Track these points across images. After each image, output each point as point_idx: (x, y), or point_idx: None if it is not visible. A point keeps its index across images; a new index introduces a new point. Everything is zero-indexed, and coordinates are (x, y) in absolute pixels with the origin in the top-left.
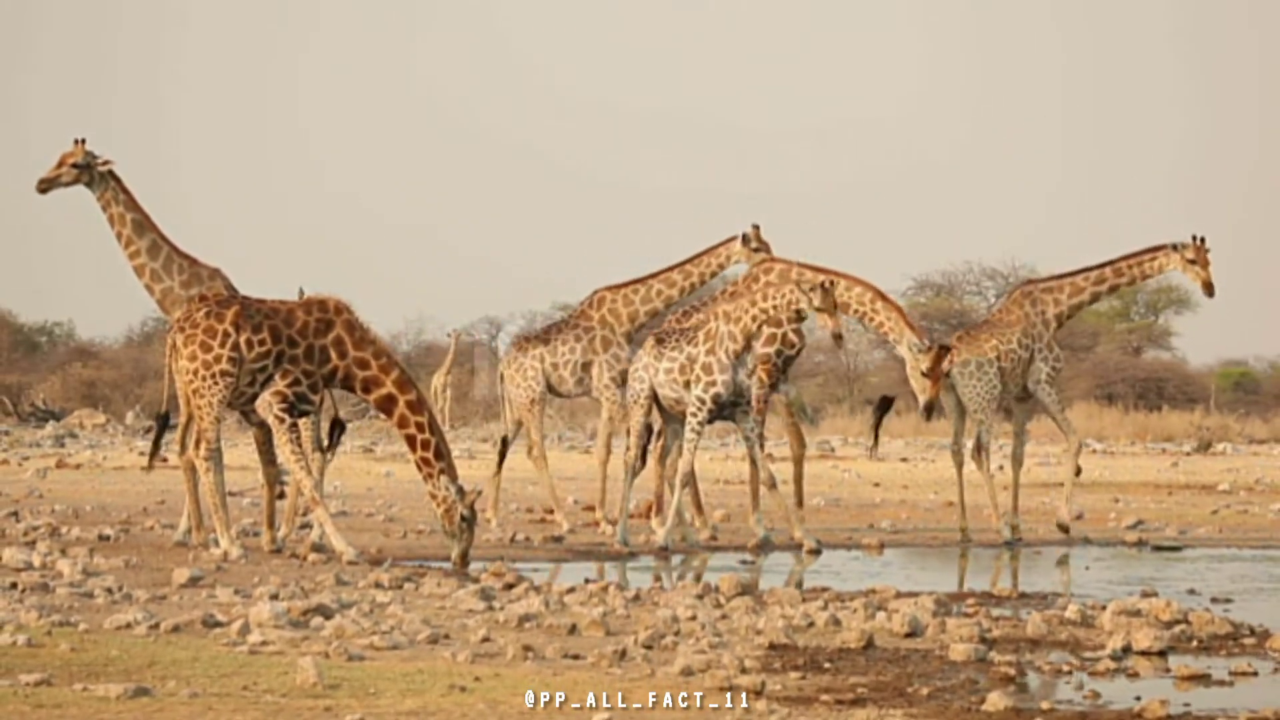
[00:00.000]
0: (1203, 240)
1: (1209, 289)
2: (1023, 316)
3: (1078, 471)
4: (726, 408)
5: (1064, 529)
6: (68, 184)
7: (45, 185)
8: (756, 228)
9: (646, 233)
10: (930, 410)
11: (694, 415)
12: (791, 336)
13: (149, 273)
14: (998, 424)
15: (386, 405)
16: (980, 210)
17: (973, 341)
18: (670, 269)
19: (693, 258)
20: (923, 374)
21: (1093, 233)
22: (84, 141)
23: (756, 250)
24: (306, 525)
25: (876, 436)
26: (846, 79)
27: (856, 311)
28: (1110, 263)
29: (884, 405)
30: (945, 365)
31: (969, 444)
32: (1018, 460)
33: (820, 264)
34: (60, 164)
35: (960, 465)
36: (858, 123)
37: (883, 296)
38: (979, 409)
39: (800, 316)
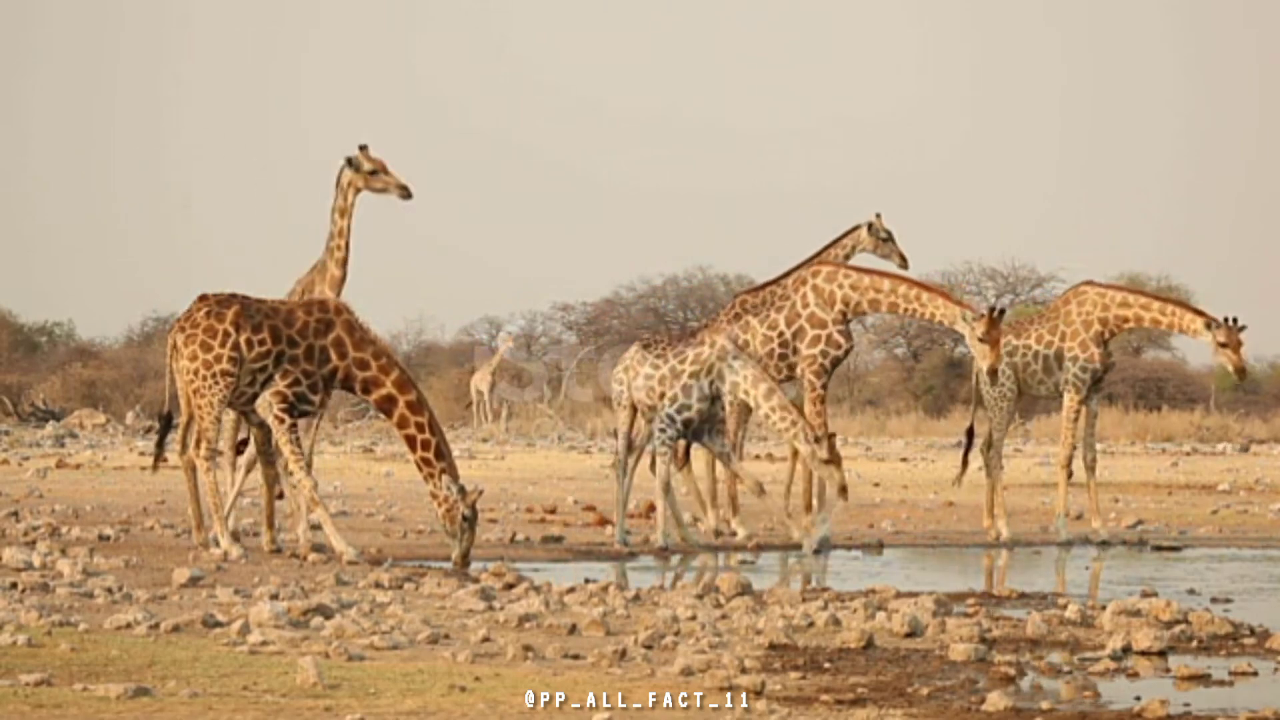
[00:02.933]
0: (1235, 321)
1: (1241, 374)
2: (1064, 315)
3: (1069, 476)
4: (695, 432)
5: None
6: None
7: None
8: (879, 216)
9: (647, 232)
10: (995, 375)
11: (662, 430)
12: (837, 337)
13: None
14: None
15: (386, 406)
16: (980, 210)
17: None
18: (800, 267)
19: (820, 252)
20: (980, 341)
21: (1092, 233)
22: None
23: (885, 240)
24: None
25: (964, 467)
26: (846, 79)
27: (905, 310)
28: (1164, 299)
29: (969, 436)
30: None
31: (978, 441)
32: (1089, 466)
33: (861, 266)
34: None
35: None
36: (857, 123)
37: (924, 286)
38: (990, 405)
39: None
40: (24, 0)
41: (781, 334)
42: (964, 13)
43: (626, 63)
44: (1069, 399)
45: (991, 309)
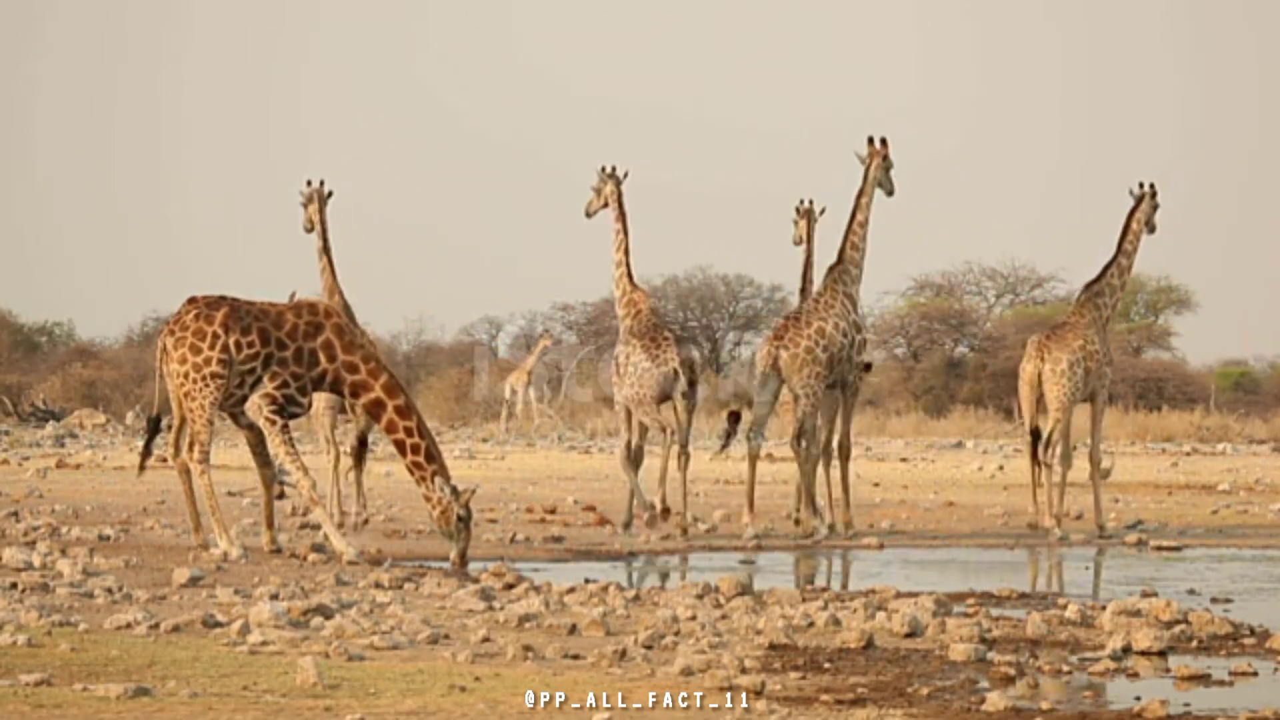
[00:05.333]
0: (885, 142)
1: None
2: (1093, 320)
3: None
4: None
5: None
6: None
7: None
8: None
9: (647, 232)
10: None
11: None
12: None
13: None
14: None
15: (375, 410)
16: (980, 210)
17: (1061, 340)
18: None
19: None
20: (884, 165)
21: (1092, 233)
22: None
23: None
24: (306, 525)
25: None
26: (846, 79)
27: (859, 235)
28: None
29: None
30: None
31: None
32: (1067, 460)
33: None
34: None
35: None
36: (857, 123)
37: (852, 216)
38: (1060, 407)
39: None
40: (25, 1)
41: (840, 345)
42: (964, 12)
43: (627, 63)
44: (1104, 401)
45: (869, 140)
